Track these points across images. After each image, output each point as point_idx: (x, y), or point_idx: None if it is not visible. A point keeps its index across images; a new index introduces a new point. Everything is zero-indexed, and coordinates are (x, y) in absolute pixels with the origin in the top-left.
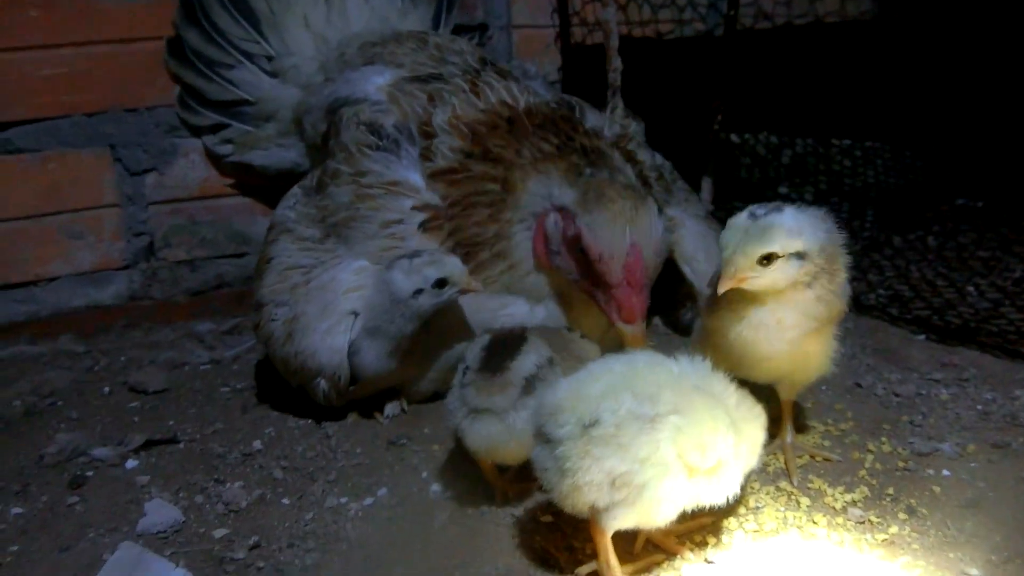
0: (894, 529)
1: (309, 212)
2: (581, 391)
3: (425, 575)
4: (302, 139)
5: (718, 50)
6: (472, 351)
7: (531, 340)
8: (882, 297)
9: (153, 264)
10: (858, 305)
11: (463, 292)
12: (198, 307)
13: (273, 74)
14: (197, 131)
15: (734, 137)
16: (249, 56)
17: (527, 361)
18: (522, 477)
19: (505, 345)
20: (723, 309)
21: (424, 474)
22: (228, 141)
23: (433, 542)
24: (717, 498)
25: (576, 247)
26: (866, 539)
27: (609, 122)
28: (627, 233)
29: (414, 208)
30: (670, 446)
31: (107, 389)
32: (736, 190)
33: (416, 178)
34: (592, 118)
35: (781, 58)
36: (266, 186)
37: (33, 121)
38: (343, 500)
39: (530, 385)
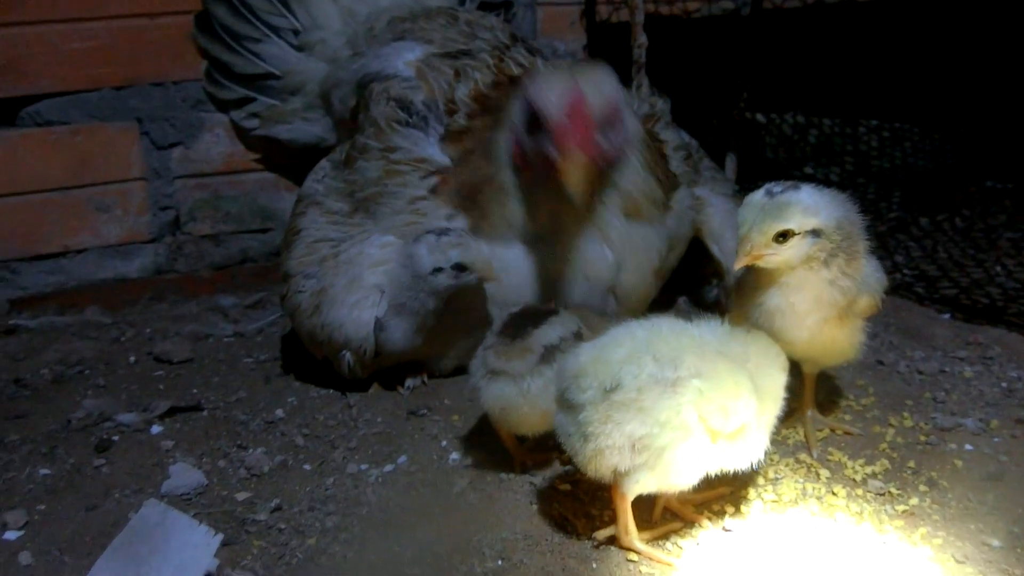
0: (914, 501)
1: (338, 186)
2: (603, 356)
3: (445, 538)
4: (328, 113)
5: (744, 29)
6: (500, 316)
7: (562, 314)
8: (908, 277)
9: (178, 238)
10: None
11: (482, 280)
12: (222, 281)
13: (300, 48)
14: (224, 105)
15: (760, 117)
16: (276, 30)
17: (551, 331)
18: (541, 447)
19: (533, 315)
20: (741, 295)
21: (443, 443)
22: (254, 115)
23: (452, 507)
24: (740, 463)
25: (529, 119)
26: (885, 510)
27: (637, 100)
28: (569, 77)
29: (428, 175)
30: (691, 409)
31: (133, 358)
32: (762, 170)
33: (442, 157)
34: None
35: (809, 37)
36: (291, 163)
37: (62, 94)
38: (363, 467)
39: (550, 354)
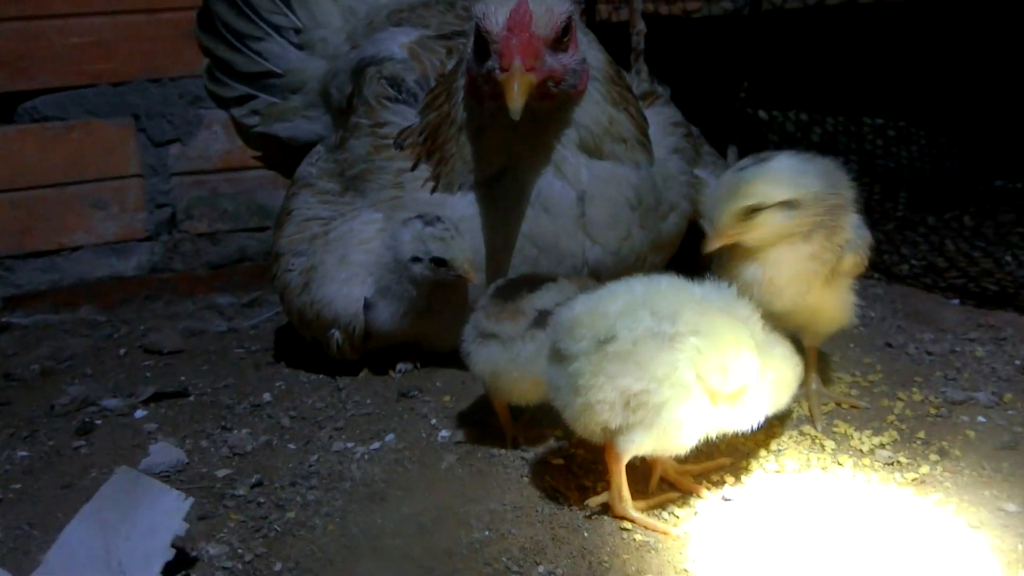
0: (925, 469)
1: (330, 167)
2: (598, 307)
3: (430, 511)
4: (328, 111)
5: (744, 28)
6: (496, 282)
7: (560, 282)
8: (916, 268)
9: (175, 236)
10: (889, 275)
11: (459, 279)
12: (219, 280)
13: (300, 47)
14: (225, 103)
15: (762, 114)
16: (277, 29)
17: (546, 296)
18: (535, 423)
19: (530, 280)
20: (719, 267)
21: (433, 421)
22: (255, 112)
23: (439, 482)
24: (741, 425)
25: (478, 40)
26: (894, 478)
27: (636, 81)
28: None
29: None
30: (689, 368)
31: (123, 351)
32: None
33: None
34: None
35: (810, 37)
36: (290, 161)
37: (59, 90)
38: (350, 445)
39: (544, 319)
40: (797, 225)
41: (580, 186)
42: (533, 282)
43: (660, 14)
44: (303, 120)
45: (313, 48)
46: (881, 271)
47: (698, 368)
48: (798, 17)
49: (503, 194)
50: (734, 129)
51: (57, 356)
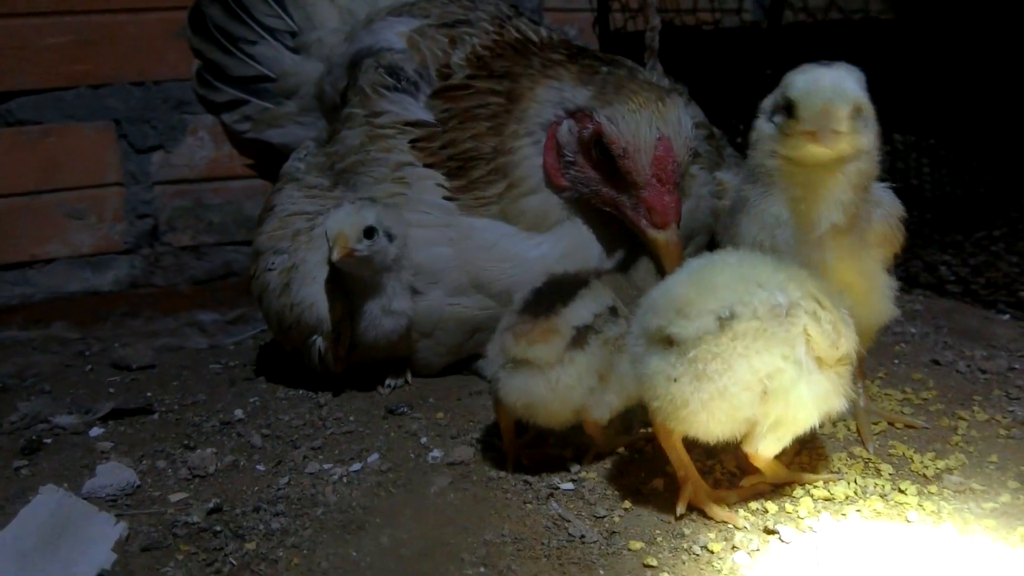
0: (1005, 498)
1: (319, 161)
2: (705, 282)
3: (415, 542)
4: (323, 112)
5: (765, 39)
6: (521, 292)
7: (594, 286)
8: (963, 282)
9: (156, 249)
10: (931, 288)
11: (339, 258)
12: (203, 297)
13: (295, 50)
14: (215, 107)
15: None
16: (272, 31)
17: (582, 308)
18: (541, 442)
19: (560, 288)
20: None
21: (423, 440)
22: (247, 118)
23: (428, 508)
24: (840, 403)
25: (595, 147)
26: (969, 508)
27: (653, 78)
28: (653, 124)
29: (407, 124)
30: (802, 339)
31: (89, 367)
32: None
33: (427, 114)
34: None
35: (839, 50)
36: None
37: (34, 92)
38: (326, 466)
39: (583, 337)
40: (866, 140)
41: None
42: (564, 290)
43: (675, 24)
44: (297, 126)
45: (308, 51)
46: (922, 285)
47: (812, 334)
48: (813, 30)
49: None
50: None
51: (22, 374)
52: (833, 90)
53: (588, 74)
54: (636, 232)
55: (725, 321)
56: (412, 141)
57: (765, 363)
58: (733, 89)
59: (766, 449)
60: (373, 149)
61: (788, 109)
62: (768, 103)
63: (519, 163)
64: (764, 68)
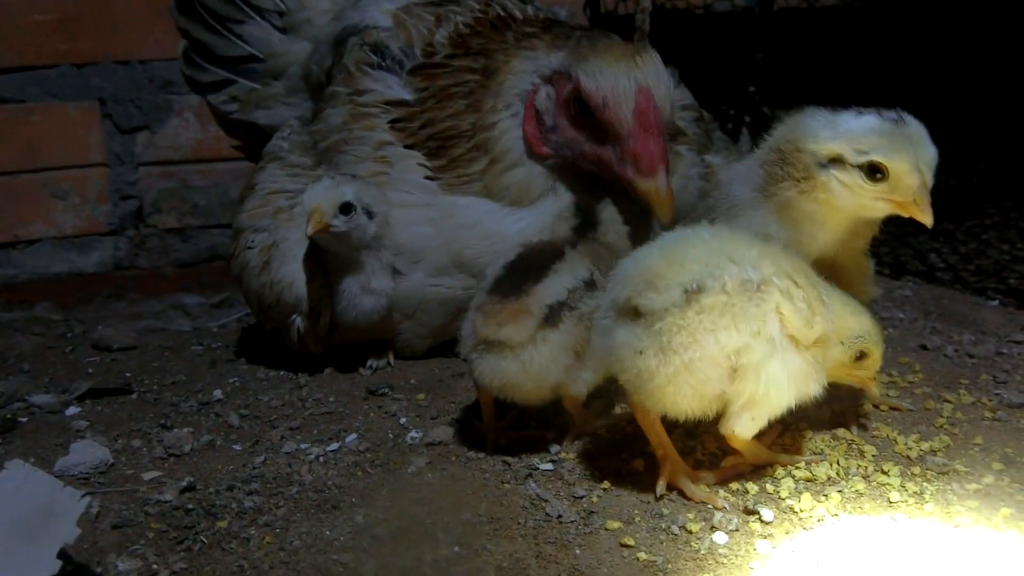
0: (988, 479)
1: (302, 140)
2: (675, 256)
3: (390, 522)
4: (309, 93)
5: (757, 23)
6: (493, 267)
7: (569, 258)
8: (951, 268)
9: (141, 231)
10: (920, 273)
11: (313, 232)
12: (188, 280)
13: (284, 30)
14: (201, 88)
15: (779, 114)
16: (260, 11)
17: (556, 284)
18: (522, 423)
19: (533, 261)
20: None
21: (403, 420)
22: (233, 99)
23: (404, 488)
24: (815, 387)
25: (574, 103)
26: (952, 489)
27: None
28: (631, 75)
29: (388, 104)
30: (775, 317)
31: (70, 348)
32: None
33: (406, 92)
34: None
35: (832, 35)
36: None
37: (18, 70)
38: (304, 446)
39: (556, 315)
40: None
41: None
42: (538, 265)
43: (666, 7)
44: (284, 108)
45: (297, 31)
46: (911, 273)
47: (784, 313)
48: (814, 15)
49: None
50: (746, 112)
51: (2, 354)
52: (933, 165)
53: (562, 39)
54: (625, 185)
55: (692, 294)
56: (392, 121)
57: (732, 339)
58: (724, 74)
59: (742, 430)
60: (356, 127)
61: (872, 170)
62: (819, 149)
63: (499, 137)
64: (755, 52)
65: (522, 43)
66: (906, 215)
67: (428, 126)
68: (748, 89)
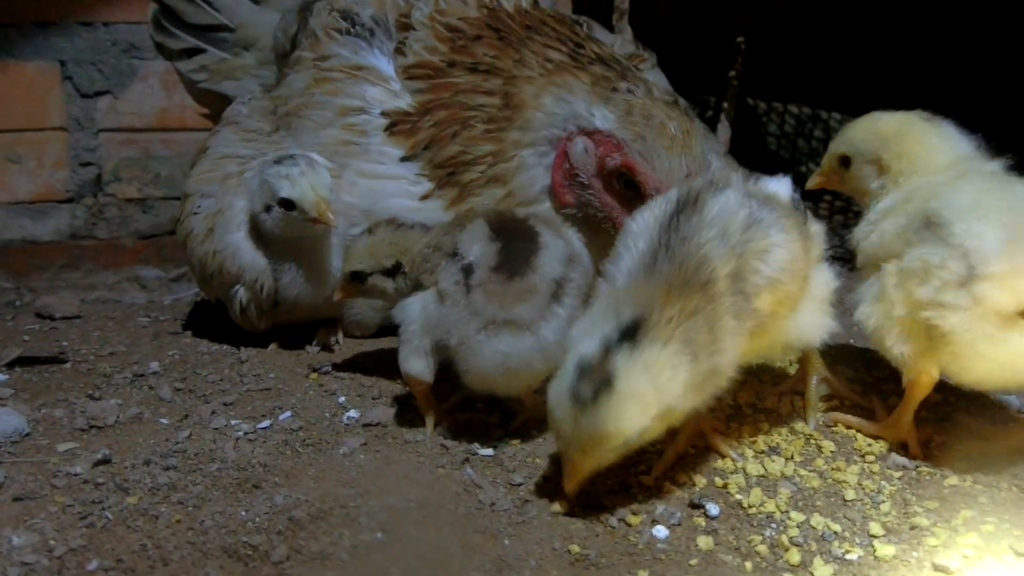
0: (952, 480)
1: (263, 105)
2: None
3: (312, 503)
4: (277, 65)
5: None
6: (472, 243)
7: (541, 231)
8: None
9: (100, 200)
10: None
11: (314, 222)
12: (147, 252)
13: (256, 0)
14: (170, 55)
15: (762, 105)
16: None
17: (548, 258)
18: (466, 405)
19: (521, 238)
20: None
21: (341, 399)
22: (203, 68)
23: (332, 469)
24: None
25: (618, 179)
26: (911, 489)
27: (620, 42)
28: (683, 162)
29: (356, 69)
30: None
31: (12, 316)
32: (762, 163)
33: (388, 68)
34: (601, 34)
35: (820, 25)
36: None
37: None
38: (234, 422)
39: (561, 290)
40: None
41: None
42: (526, 242)
43: None
44: (253, 80)
45: (269, 1)
46: None
47: None
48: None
49: None
50: (727, 101)
51: None
52: None
53: (605, 89)
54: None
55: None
56: (387, 126)
57: None
58: (704, 59)
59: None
60: (318, 92)
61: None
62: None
63: (521, 173)
64: (741, 15)
65: (554, 78)
66: None
67: (434, 146)
68: (728, 75)
